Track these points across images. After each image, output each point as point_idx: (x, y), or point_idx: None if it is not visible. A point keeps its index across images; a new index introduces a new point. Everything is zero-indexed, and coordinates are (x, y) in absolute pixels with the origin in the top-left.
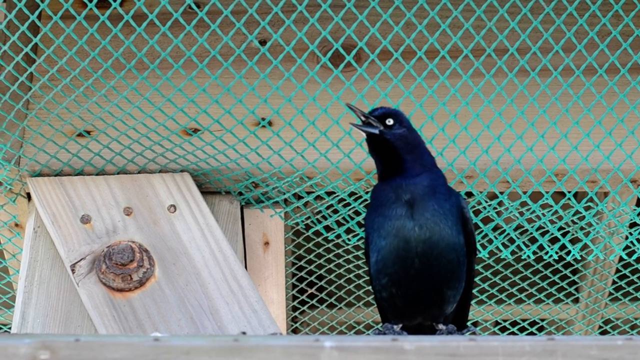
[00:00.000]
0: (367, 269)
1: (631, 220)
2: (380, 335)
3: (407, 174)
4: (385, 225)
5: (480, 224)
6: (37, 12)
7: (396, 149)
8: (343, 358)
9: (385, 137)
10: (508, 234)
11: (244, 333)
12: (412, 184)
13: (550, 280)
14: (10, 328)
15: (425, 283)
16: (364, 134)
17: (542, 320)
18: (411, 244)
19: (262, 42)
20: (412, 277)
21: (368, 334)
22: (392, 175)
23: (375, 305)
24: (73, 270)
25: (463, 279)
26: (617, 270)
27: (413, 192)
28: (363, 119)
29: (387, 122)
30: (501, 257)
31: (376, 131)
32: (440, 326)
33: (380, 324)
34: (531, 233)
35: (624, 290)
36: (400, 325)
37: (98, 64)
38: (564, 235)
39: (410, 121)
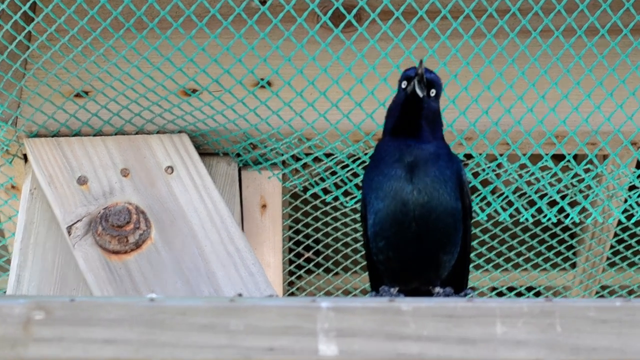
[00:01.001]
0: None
1: (631, 182)
2: (377, 296)
3: (417, 139)
4: (384, 185)
5: (479, 186)
6: None
7: (423, 118)
8: (339, 319)
9: (424, 105)
10: (507, 196)
11: (240, 295)
12: (418, 148)
13: (548, 244)
14: (5, 292)
15: (421, 247)
16: (417, 91)
17: (539, 285)
18: (409, 207)
19: (262, 1)
20: (409, 240)
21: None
22: (403, 135)
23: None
24: (69, 232)
25: (459, 244)
26: (616, 235)
27: (417, 156)
28: (424, 79)
29: (431, 91)
30: (499, 220)
31: (421, 94)
32: (437, 289)
33: (380, 287)
34: (530, 196)
35: (622, 255)
36: (397, 289)
37: (97, 23)
38: (562, 198)
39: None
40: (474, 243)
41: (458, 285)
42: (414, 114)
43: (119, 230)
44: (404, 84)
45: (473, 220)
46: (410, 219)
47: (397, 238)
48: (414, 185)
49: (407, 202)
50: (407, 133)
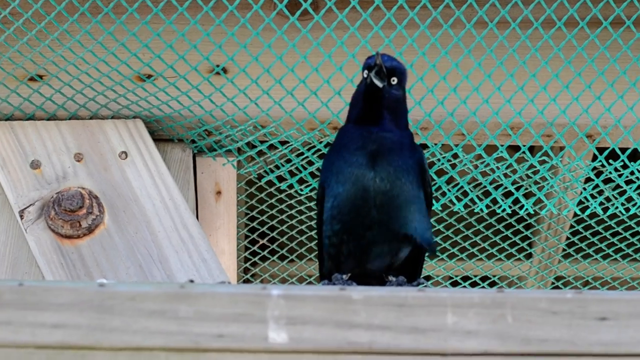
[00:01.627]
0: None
1: (586, 175)
2: (329, 285)
3: (380, 127)
4: (345, 171)
5: (434, 176)
6: None
7: (384, 107)
8: (290, 306)
9: (384, 94)
10: (462, 187)
11: (191, 281)
12: (381, 136)
13: (503, 235)
14: None
15: (379, 234)
16: (375, 82)
17: (494, 276)
18: (369, 194)
19: None
20: (367, 226)
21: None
22: (366, 123)
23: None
24: (21, 216)
25: (418, 234)
26: (571, 227)
27: (380, 144)
28: (383, 69)
29: (392, 79)
30: (454, 210)
31: (380, 85)
32: (391, 277)
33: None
34: (485, 186)
35: (577, 246)
36: (349, 275)
37: (51, 7)
38: (517, 189)
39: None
40: None
41: (412, 273)
42: (374, 103)
43: (71, 214)
44: (365, 73)
45: None
46: (371, 206)
47: (354, 223)
48: (376, 172)
49: (368, 188)
50: (369, 121)
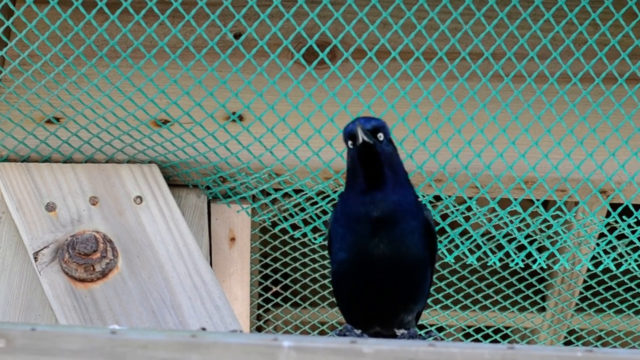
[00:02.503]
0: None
1: (599, 231)
2: (340, 336)
3: (382, 190)
4: (348, 238)
5: (447, 229)
6: None
7: (383, 165)
8: (301, 358)
9: (377, 150)
10: (475, 239)
11: (203, 329)
12: (384, 200)
13: (516, 288)
14: None
15: (386, 298)
16: (362, 139)
17: (507, 328)
18: (374, 260)
19: (237, 36)
20: (373, 291)
21: (330, 335)
22: (367, 188)
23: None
24: (36, 258)
25: (426, 293)
26: (584, 281)
27: (383, 209)
28: (364, 131)
29: (378, 136)
30: (467, 263)
31: (371, 141)
32: (402, 330)
33: (344, 325)
34: (498, 240)
35: (590, 301)
36: (360, 331)
37: (70, 50)
38: (531, 243)
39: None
40: (442, 284)
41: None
42: (372, 164)
43: (85, 258)
44: (349, 143)
45: (442, 262)
46: (376, 272)
47: (360, 289)
48: (380, 239)
49: (373, 255)
50: (369, 185)
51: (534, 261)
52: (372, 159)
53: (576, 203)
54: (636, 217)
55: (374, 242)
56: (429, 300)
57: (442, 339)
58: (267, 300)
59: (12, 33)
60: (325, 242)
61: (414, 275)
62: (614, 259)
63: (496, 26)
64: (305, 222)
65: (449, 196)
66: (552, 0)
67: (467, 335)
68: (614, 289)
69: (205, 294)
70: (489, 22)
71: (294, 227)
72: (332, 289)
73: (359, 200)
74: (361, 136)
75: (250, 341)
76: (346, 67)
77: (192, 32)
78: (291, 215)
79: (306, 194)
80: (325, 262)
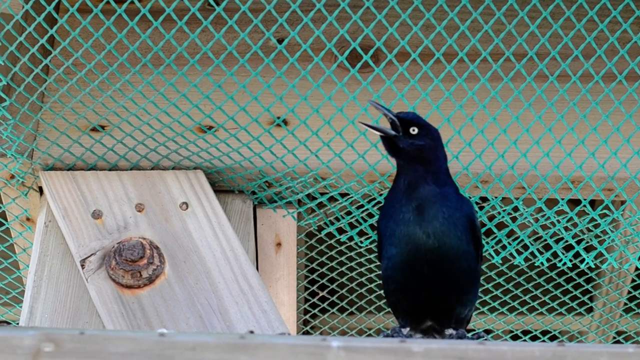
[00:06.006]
0: (378, 272)
1: None
2: (388, 337)
3: (421, 182)
4: (396, 232)
5: (494, 230)
6: (54, 4)
7: (410, 157)
8: (350, 358)
9: (398, 143)
10: (522, 240)
11: (251, 332)
12: (423, 191)
13: (564, 288)
14: (18, 323)
15: (434, 290)
16: (377, 134)
17: (555, 330)
18: (421, 252)
19: (280, 40)
20: (421, 284)
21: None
22: (405, 181)
23: (387, 310)
24: (83, 266)
25: (476, 286)
26: (632, 280)
27: (424, 199)
28: (388, 118)
29: (411, 129)
30: (514, 264)
31: (391, 133)
32: (450, 330)
33: (392, 327)
34: (545, 240)
35: (638, 301)
36: (408, 329)
37: (114, 58)
38: (578, 242)
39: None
40: (490, 286)
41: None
42: (399, 156)
43: (132, 264)
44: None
45: (489, 263)
46: (423, 264)
47: (408, 282)
48: (424, 229)
49: (420, 247)
50: (408, 177)
51: (582, 261)
52: (395, 151)
53: (623, 201)
54: None
55: (419, 233)
56: (476, 303)
57: (489, 340)
58: (313, 306)
59: (56, 42)
60: (372, 245)
61: (460, 266)
62: None
63: (540, 26)
64: (352, 226)
65: (496, 197)
66: None
67: (514, 338)
68: None
69: (252, 298)
70: (533, 22)
71: (340, 231)
72: (379, 292)
73: (400, 192)
74: (379, 128)
75: (299, 342)
76: (390, 69)
77: (236, 38)
78: (337, 219)
79: (352, 197)
80: (372, 265)
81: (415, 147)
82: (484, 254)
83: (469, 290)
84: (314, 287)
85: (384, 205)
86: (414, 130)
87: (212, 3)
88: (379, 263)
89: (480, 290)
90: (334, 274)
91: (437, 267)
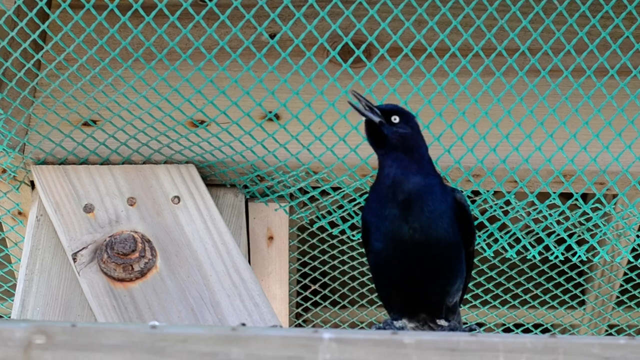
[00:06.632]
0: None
1: (639, 222)
2: (380, 329)
3: (401, 172)
4: (381, 227)
5: (486, 223)
6: None
7: (394, 145)
8: (341, 350)
9: (382, 129)
10: (514, 233)
11: (243, 325)
12: (408, 184)
13: (556, 282)
14: (10, 317)
15: (423, 283)
16: (362, 117)
17: (547, 323)
18: (407, 247)
19: (272, 35)
20: (410, 278)
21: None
22: (388, 173)
23: (379, 303)
24: (74, 259)
25: (463, 275)
26: (624, 274)
27: (409, 193)
28: (366, 107)
29: (392, 118)
30: (506, 257)
31: (376, 120)
32: (442, 322)
33: (384, 320)
34: (537, 233)
35: (630, 294)
36: (400, 321)
37: (106, 53)
38: (570, 236)
39: (420, 128)
40: (482, 279)
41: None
42: (382, 145)
43: (124, 258)
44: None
45: (481, 257)
46: (410, 258)
47: (397, 277)
48: (410, 224)
49: (406, 242)
50: (389, 168)
51: (574, 254)
52: (378, 138)
53: (615, 195)
54: None
55: (405, 229)
56: (468, 296)
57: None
58: (306, 299)
59: (48, 37)
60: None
61: (448, 257)
62: None
63: (532, 21)
64: (344, 220)
65: (487, 190)
66: None
67: (507, 331)
68: None
69: (244, 291)
70: (525, 17)
71: (332, 224)
72: (371, 285)
73: (385, 186)
74: (367, 113)
75: (290, 334)
76: (382, 64)
77: (228, 33)
78: (329, 213)
79: (344, 191)
80: (364, 259)
81: (399, 135)
82: (475, 248)
83: (457, 279)
84: (306, 281)
85: (368, 199)
86: (395, 119)
87: None
88: (366, 256)
89: (472, 283)
90: (326, 268)
91: (424, 261)
